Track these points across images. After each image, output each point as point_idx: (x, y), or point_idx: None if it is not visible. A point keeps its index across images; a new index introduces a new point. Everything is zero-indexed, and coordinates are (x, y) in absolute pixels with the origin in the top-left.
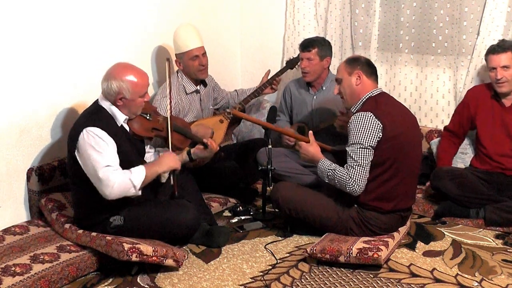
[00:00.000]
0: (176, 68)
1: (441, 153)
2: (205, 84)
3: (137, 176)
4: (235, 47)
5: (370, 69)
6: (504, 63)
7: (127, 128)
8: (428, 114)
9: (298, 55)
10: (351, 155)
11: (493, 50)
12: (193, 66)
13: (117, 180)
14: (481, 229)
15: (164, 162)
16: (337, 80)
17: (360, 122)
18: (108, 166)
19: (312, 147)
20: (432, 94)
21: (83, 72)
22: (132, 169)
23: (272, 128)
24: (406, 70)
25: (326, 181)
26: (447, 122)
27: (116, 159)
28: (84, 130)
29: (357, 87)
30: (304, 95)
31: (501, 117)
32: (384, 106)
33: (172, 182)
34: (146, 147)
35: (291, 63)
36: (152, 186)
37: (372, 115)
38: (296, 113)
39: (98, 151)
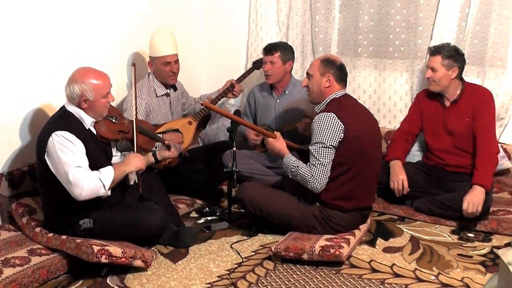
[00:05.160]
0: (149, 70)
1: (391, 149)
2: (175, 88)
3: (107, 175)
4: (200, 53)
5: (341, 74)
6: (431, 65)
7: (94, 132)
8: (387, 115)
9: None
10: (314, 153)
11: (429, 50)
12: (163, 71)
13: (87, 180)
14: (438, 225)
15: (131, 162)
16: (308, 75)
17: (323, 122)
18: (78, 167)
19: (278, 143)
20: (390, 96)
21: (50, 76)
22: (101, 169)
23: (240, 122)
24: (365, 74)
25: (290, 176)
26: None
27: (85, 161)
28: (54, 134)
29: (326, 89)
30: (267, 99)
31: (442, 116)
32: (347, 108)
33: (137, 180)
34: (113, 150)
35: (257, 64)
36: (119, 189)
37: (335, 116)
38: (260, 117)
39: (68, 153)
